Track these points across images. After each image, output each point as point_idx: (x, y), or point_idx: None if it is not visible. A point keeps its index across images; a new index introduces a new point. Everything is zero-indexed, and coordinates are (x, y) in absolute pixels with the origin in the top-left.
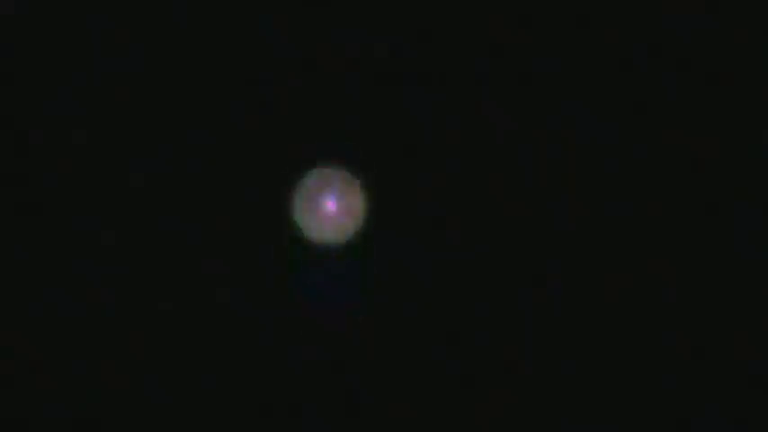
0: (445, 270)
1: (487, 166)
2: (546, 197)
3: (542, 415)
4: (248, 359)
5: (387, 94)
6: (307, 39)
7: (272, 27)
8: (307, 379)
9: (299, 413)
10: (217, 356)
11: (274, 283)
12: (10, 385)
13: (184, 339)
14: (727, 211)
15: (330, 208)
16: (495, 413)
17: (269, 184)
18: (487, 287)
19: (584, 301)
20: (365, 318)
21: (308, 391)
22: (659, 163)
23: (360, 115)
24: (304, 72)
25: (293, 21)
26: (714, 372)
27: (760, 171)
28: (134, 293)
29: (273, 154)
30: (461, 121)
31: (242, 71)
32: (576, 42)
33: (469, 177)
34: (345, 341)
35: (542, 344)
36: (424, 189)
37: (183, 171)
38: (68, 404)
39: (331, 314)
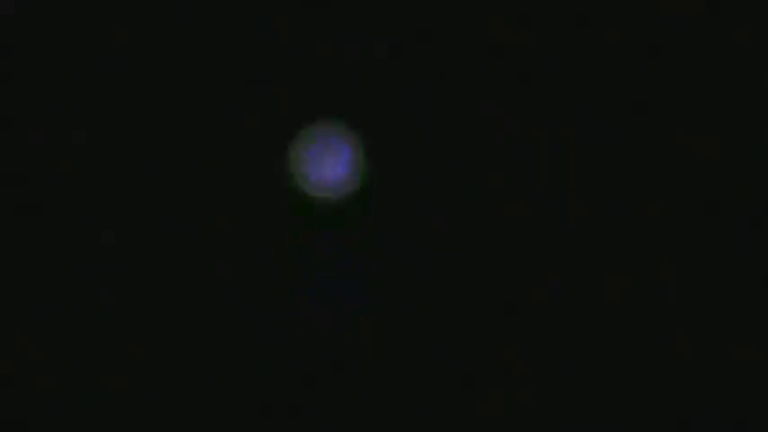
0: (442, 245)
1: (487, 161)
2: (546, 197)
3: (542, 415)
4: (245, 355)
5: (385, 78)
6: (298, 21)
7: (263, 11)
8: (306, 379)
9: (299, 413)
10: (214, 352)
11: (274, 266)
12: (10, 385)
13: (181, 330)
14: (727, 212)
15: (329, 163)
16: (495, 413)
17: (267, 140)
18: (486, 279)
19: (584, 301)
20: (364, 312)
21: (307, 391)
22: (659, 163)
23: (359, 97)
24: (299, 50)
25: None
26: (714, 372)
27: (760, 171)
28: (132, 285)
29: (269, 116)
30: (461, 107)
31: (235, 51)
32: (576, 42)
33: (470, 161)
34: (345, 337)
35: (542, 344)
36: (422, 169)
37: (175, 135)
38: (68, 404)
39: (330, 307)
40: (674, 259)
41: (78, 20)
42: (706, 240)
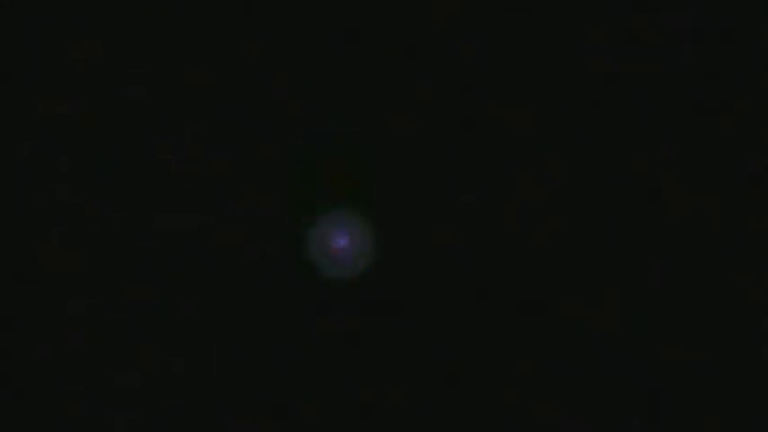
0: (448, 298)
1: (489, 179)
2: (547, 198)
3: (542, 415)
4: (248, 360)
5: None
6: (312, 27)
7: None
8: (307, 379)
9: (299, 413)
10: (213, 353)
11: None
12: (10, 385)
13: (187, 345)
14: (727, 212)
15: (342, 246)
16: (496, 413)
17: (279, 169)
18: (488, 301)
19: (584, 301)
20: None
21: (307, 391)
22: (660, 165)
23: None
24: (311, 62)
25: (295, 26)
26: (714, 372)
27: (760, 171)
28: (135, 301)
29: (282, 140)
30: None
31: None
32: (577, 43)
33: (473, 201)
34: (346, 343)
35: (542, 343)
36: (429, 215)
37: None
38: (69, 403)
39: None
40: (673, 260)
41: (78, 19)
42: (706, 241)
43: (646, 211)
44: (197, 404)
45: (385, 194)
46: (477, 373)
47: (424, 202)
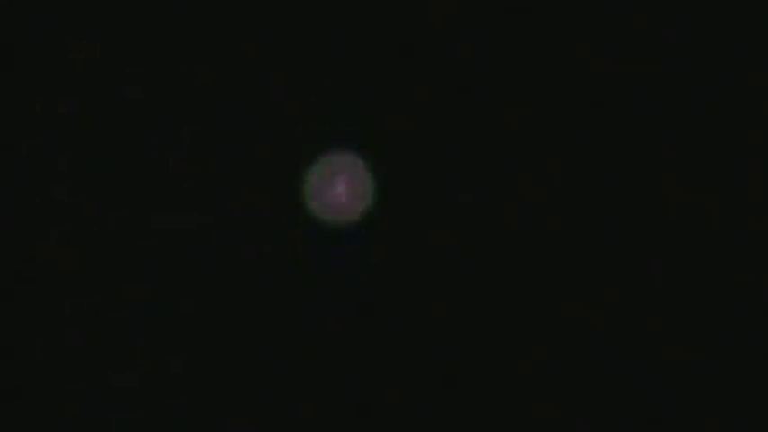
0: (449, 259)
1: (491, 156)
2: (547, 198)
3: (542, 415)
4: (249, 353)
5: (392, 81)
6: (311, 25)
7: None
8: (308, 374)
9: (298, 412)
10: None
11: (281, 269)
12: (10, 385)
13: (184, 331)
14: (727, 212)
15: (339, 191)
16: (496, 413)
17: (278, 168)
18: (489, 278)
19: (584, 301)
20: (367, 309)
21: (308, 389)
22: (660, 165)
23: (367, 102)
24: (311, 60)
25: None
26: (714, 372)
27: (760, 171)
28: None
29: (282, 139)
30: (466, 108)
31: (250, 59)
32: (578, 44)
33: (473, 164)
34: (347, 336)
35: (542, 343)
36: (429, 173)
37: (190, 155)
38: (68, 403)
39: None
40: (673, 260)
41: (79, 19)
42: (705, 242)
43: (646, 211)
44: (197, 404)
45: (384, 194)
46: (477, 373)
47: (424, 201)
